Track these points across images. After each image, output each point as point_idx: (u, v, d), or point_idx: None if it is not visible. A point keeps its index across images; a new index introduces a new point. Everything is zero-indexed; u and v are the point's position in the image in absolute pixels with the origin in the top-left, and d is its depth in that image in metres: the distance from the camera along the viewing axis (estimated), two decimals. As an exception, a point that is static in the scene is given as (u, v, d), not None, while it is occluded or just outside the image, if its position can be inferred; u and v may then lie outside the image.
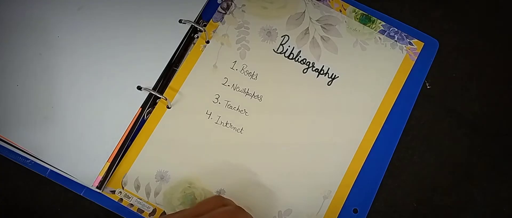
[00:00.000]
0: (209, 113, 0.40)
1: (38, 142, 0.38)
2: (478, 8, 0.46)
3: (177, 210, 0.38)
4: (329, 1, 0.43)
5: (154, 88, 0.40)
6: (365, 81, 0.42)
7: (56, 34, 0.40)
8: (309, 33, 0.42)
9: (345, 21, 0.43)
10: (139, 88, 0.39)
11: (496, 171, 0.42)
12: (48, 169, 0.38)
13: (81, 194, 0.38)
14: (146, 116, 0.40)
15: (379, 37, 0.43)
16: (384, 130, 0.41)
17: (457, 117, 0.43)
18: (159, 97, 0.40)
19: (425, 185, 0.42)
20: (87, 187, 0.38)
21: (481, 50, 0.45)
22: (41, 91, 0.39)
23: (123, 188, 0.38)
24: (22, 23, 0.40)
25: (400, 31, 0.43)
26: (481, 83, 0.44)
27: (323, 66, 0.42)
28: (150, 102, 0.40)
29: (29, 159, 0.38)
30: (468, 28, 0.45)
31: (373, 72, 0.42)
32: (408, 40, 0.43)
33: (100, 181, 0.37)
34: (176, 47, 0.40)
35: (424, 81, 0.43)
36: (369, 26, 0.43)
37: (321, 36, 0.42)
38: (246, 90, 0.41)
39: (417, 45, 0.43)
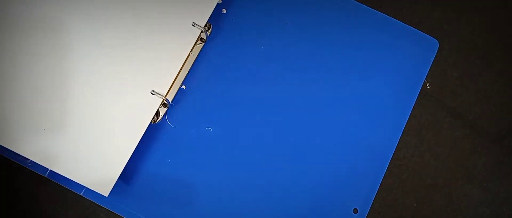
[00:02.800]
0: None
1: (49, 152, 0.37)
2: (478, 8, 0.46)
3: None
4: None
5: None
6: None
7: (67, 37, 0.39)
8: None
9: None
10: (152, 93, 0.39)
11: (496, 171, 0.42)
12: (48, 169, 0.38)
13: (81, 194, 0.38)
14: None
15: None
16: (384, 129, 0.41)
17: (457, 117, 0.43)
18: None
19: (425, 185, 0.42)
20: (86, 187, 0.38)
21: (481, 50, 0.45)
22: (52, 96, 0.38)
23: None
24: (32, 24, 0.39)
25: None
26: (481, 83, 0.44)
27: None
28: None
29: (29, 159, 0.38)
30: (468, 28, 0.45)
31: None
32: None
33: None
34: (189, 51, 0.39)
35: (424, 81, 0.43)
36: None
37: None
38: None
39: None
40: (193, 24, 0.39)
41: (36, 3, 0.39)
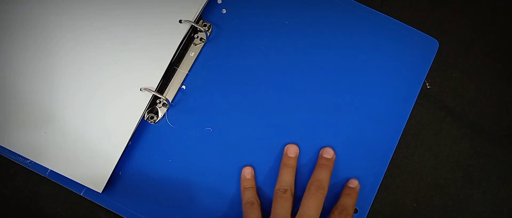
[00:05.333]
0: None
1: (41, 150, 0.38)
2: (478, 8, 0.46)
3: None
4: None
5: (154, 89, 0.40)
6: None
7: (56, 35, 0.40)
8: None
9: None
10: (140, 89, 0.39)
11: (496, 171, 0.42)
12: (48, 169, 0.38)
13: (81, 194, 0.38)
14: (146, 116, 0.40)
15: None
16: (384, 129, 0.41)
17: (457, 117, 0.43)
18: (159, 98, 0.40)
19: (425, 185, 0.42)
20: (87, 187, 0.38)
21: (481, 50, 0.45)
22: (42, 94, 0.39)
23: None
24: (22, 23, 0.40)
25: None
26: (481, 83, 0.44)
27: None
28: (149, 102, 0.40)
29: (28, 159, 0.38)
30: (468, 28, 0.45)
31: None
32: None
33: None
34: (176, 47, 0.40)
35: (424, 81, 0.43)
36: None
37: None
38: None
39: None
40: (180, 20, 0.41)
41: (21, 2, 0.40)
